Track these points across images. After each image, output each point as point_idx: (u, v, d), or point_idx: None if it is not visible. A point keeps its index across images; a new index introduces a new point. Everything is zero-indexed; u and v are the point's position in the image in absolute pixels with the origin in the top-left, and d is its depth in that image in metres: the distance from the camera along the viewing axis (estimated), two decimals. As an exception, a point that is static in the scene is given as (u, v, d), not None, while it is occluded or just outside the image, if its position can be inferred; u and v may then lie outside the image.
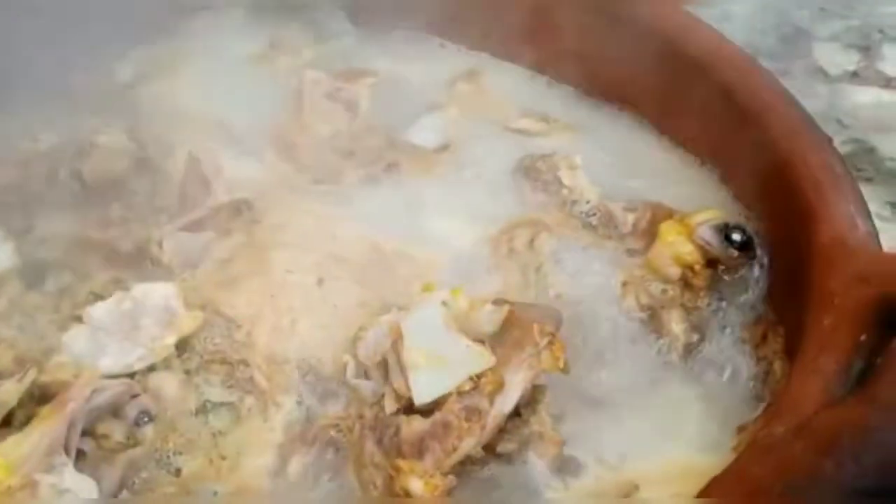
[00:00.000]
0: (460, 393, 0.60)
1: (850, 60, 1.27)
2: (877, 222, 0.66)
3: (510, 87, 0.96)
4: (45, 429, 0.54)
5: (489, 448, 0.61)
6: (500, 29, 0.97)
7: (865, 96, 1.29)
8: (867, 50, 1.28)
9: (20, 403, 0.61)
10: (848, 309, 0.57)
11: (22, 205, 0.78)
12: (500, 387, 0.60)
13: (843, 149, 1.20)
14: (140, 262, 0.73)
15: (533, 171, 0.83)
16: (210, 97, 0.89)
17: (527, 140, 0.89)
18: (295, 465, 0.62)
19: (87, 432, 0.58)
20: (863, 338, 0.54)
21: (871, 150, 1.21)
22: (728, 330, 0.73)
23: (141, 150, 0.76)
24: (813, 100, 1.05)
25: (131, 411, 0.60)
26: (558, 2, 0.93)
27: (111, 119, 0.86)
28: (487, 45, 0.99)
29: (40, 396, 0.62)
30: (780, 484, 0.46)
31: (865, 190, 1.05)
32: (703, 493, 0.49)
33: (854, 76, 1.27)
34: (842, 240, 0.64)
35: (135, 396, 0.60)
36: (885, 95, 1.27)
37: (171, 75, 0.92)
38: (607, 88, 0.92)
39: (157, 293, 0.66)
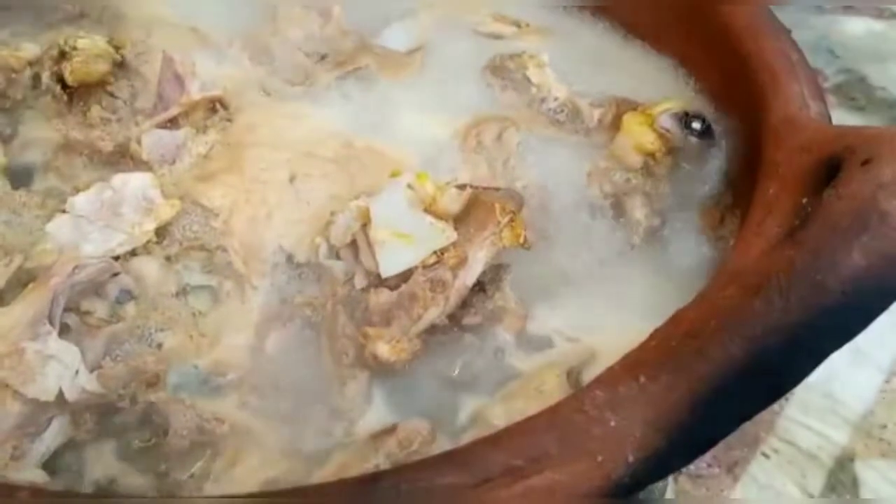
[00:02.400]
0: (425, 267, 0.63)
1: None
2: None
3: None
4: (30, 301, 0.57)
5: (455, 320, 0.65)
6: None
7: (857, 26, 1.31)
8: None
9: (8, 287, 0.64)
10: (790, 176, 0.59)
11: (6, 111, 0.80)
12: (462, 261, 0.63)
13: (835, 79, 1.22)
14: (121, 161, 0.76)
15: (502, 70, 0.85)
16: (183, 6, 0.91)
17: (497, 42, 0.91)
18: (272, 342, 0.65)
19: (72, 309, 0.61)
20: (804, 201, 0.57)
21: (862, 80, 1.23)
22: (688, 214, 0.75)
23: (119, 55, 0.78)
24: (806, 31, 1.06)
25: (113, 290, 0.63)
26: None
27: (89, 28, 0.88)
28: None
29: (27, 281, 0.65)
30: (713, 323, 0.49)
31: (858, 119, 1.07)
32: (643, 344, 0.52)
33: (846, 7, 1.29)
34: (792, 118, 0.67)
35: (115, 275, 0.63)
36: (877, 25, 1.29)
37: (146, -16, 0.93)
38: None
39: (135, 182, 0.68)
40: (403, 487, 0.45)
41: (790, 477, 1.16)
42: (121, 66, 0.78)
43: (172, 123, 0.75)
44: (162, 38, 0.84)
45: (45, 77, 0.77)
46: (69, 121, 0.77)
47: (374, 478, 0.46)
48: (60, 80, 0.77)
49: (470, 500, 0.45)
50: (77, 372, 0.56)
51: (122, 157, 0.76)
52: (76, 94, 0.78)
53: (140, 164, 0.74)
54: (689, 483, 1.26)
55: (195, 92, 0.74)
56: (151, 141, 0.73)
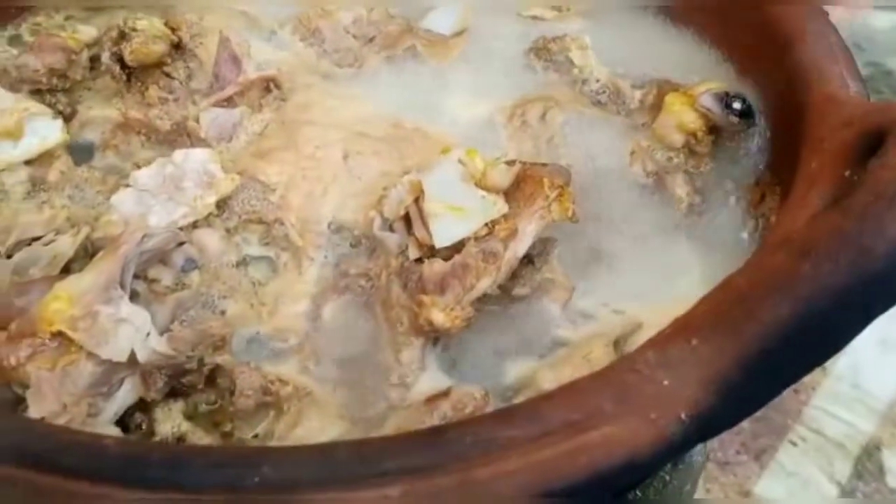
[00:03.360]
0: (477, 238, 0.65)
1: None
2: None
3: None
4: (102, 267, 0.60)
5: (505, 291, 0.67)
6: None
7: (883, 21, 1.32)
8: (886, -25, 1.30)
9: (75, 257, 0.67)
10: (833, 150, 0.61)
11: (65, 92, 0.83)
12: (513, 233, 0.65)
13: (861, 72, 1.23)
14: (178, 139, 0.79)
15: (544, 52, 0.87)
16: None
17: (540, 25, 0.93)
18: (328, 311, 0.68)
19: (139, 276, 0.64)
20: (847, 173, 0.59)
21: (888, 73, 1.25)
22: (729, 192, 0.77)
23: (175, 36, 0.80)
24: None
25: (178, 259, 0.66)
26: None
27: (141, 11, 0.91)
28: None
29: (93, 251, 0.68)
30: (762, 287, 0.51)
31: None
32: (694, 308, 0.54)
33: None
34: (832, 96, 0.69)
35: (181, 245, 0.66)
36: (903, 20, 1.30)
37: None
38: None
39: (195, 157, 0.71)
40: (468, 439, 0.47)
41: (817, 465, 1.17)
42: (177, 47, 0.81)
43: (228, 102, 0.78)
44: (214, 21, 0.87)
45: (105, 58, 0.80)
46: (128, 100, 0.80)
47: (440, 430, 0.49)
48: (120, 60, 0.79)
49: (531, 452, 0.47)
50: (148, 334, 0.58)
51: (179, 136, 0.78)
52: (134, 74, 0.81)
53: (198, 142, 0.77)
54: (718, 470, 1.28)
55: (251, 72, 0.77)
56: (209, 119, 0.76)
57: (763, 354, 0.50)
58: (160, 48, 0.78)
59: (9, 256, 0.66)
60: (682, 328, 0.52)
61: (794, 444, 1.14)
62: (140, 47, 0.77)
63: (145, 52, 0.78)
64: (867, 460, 1.14)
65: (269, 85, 0.79)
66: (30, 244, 0.67)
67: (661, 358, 0.50)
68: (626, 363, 0.51)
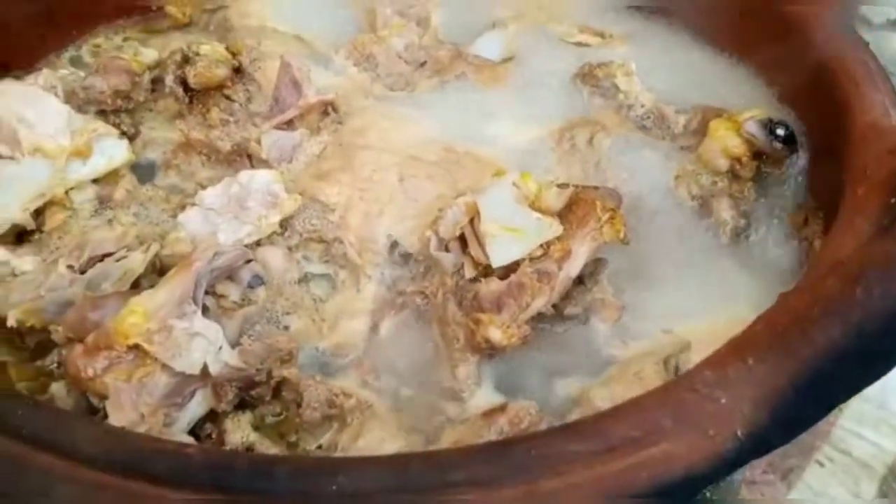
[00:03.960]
0: (532, 259, 0.67)
1: (893, 9, 1.31)
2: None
3: (565, 4, 1.03)
4: (176, 283, 0.63)
5: (557, 310, 0.69)
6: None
7: None
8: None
9: (144, 273, 0.70)
10: (879, 177, 0.63)
11: (129, 112, 0.87)
12: (567, 254, 0.68)
13: None
14: (237, 160, 0.81)
15: (591, 78, 0.90)
16: (290, 16, 0.97)
17: (584, 51, 0.95)
18: (386, 327, 0.71)
19: (208, 292, 0.66)
20: (893, 200, 0.61)
21: None
22: (772, 216, 0.79)
23: (236, 61, 0.83)
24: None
25: (245, 275, 0.69)
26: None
27: (197, 36, 0.95)
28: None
29: (162, 268, 0.71)
30: (816, 310, 0.53)
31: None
32: (749, 329, 0.56)
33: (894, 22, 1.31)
34: (875, 124, 0.71)
35: (248, 262, 0.68)
36: (927, 41, 1.31)
37: (254, -3, 1.00)
38: (660, 4, 0.99)
39: (260, 178, 0.74)
40: (534, 452, 0.49)
41: (843, 484, 1.18)
42: (237, 71, 0.84)
43: (288, 125, 0.81)
44: (270, 46, 0.90)
45: (169, 80, 0.83)
46: (189, 121, 0.83)
47: (506, 443, 0.51)
48: (183, 83, 0.82)
49: (595, 465, 0.49)
50: (220, 348, 0.61)
51: (238, 156, 0.81)
52: (196, 96, 0.84)
53: (259, 163, 0.79)
54: (745, 489, 1.29)
55: (311, 96, 0.80)
56: (270, 141, 0.78)
57: (816, 376, 0.52)
58: (223, 72, 0.81)
59: (82, 272, 0.69)
60: (738, 348, 0.54)
61: (822, 464, 1.15)
62: (204, 71, 0.81)
63: (209, 76, 0.81)
64: (893, 480, 1.15)
65: (326, 108, 0.82)
66: (101, 260, 0.70)
67: (718, 377, 0.52)
68: (685, 381, 0.53)
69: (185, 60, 0.82)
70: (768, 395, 0.51)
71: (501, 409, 0.64)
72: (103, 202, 0.78)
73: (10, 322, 0.66)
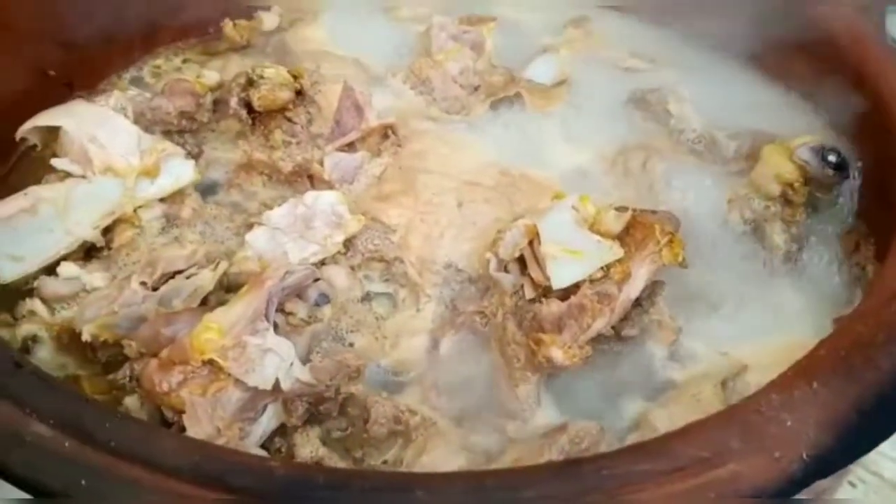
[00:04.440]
0: (592, 281, 0.69)
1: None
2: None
3: (615, 31, 1.05)
4: (249, 300, 0.64)
5: (615, 332, 0.71)
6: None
7: None
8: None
9: (213, 290, 0.72)
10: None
11: (192, 133, 0.89)
12: (627, 276, 0.69)
13: None
14: (298, 181, 0.84)
15: (643, 103, 0.91)
16: (347, 41, 0.99)
17: (636, 76, 0.97)
18: (446, 345, 0.72)
19: (278, 309, 0.68)
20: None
21: None
22: (823, 240, 0.81)
23: (298, 84, 0.86)
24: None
25: (313, 293, 0.70)
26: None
27: (261, 59, 0.97)
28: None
29: (229, 285, 0.73)
30: (881, 335, 0.54)
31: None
32: (812, 353, 0.57)
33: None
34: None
35: (315, 281, 0.70)
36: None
37: (312, 22, 1.02)
38: (708, 31, 1.00)
39: (325, 199, 0.76)
40: (604, 472, 0.50)
41: (874, 506, 1.18)
42: (299, 93, 0.86)
43: (349, 147, 0.83)
44: (329, 69, 0.92)
45: (233, 102, 0.85)
46: (252, 142, 0.85)
47: (576, 462, 0.52)
48: (247, 105, 0.85)
49: (664, 485, 0.50)
50: (291, 364, 0.63)
51: (300, 177, 0.83)
52: (258, 118, 0.86)
53: (321, 184, 0.81)
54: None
55: (373, 119, 0.82)
56: (332, 162, 0.81)
57: (879, 399, 0.53)
58: (286, 95, 0.83)
59: (154, 289, 0.71)
60: (802, 371, 0.55)
61: (854, 485, 1.15)
62: (268, 94, 0.83)
63: (272, 98, 0.83)
64: (923, 502, 1.15)
65: (387, 131, 0.84)
66: (172, 277, 0.72)
67: (784, 400, 0.53)
68: (751, 404, 0.54)
69: (250, 83, 0.84)
70: (833, 418, 0.53)
71: (562, 428, 0.65)
72: (170, 220, 0.80)
73: (85, 336, 0.68)
